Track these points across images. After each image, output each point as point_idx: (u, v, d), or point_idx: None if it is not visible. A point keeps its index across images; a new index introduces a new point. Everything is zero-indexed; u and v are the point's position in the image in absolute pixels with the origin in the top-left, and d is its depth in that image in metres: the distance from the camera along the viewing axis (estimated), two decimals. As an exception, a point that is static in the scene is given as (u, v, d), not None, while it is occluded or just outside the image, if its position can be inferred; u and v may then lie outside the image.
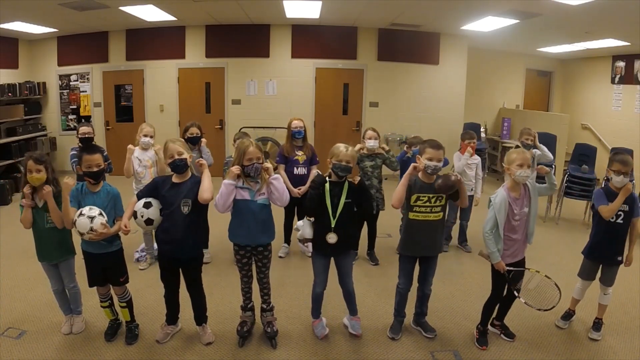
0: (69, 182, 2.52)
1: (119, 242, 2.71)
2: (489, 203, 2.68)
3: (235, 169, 2.53)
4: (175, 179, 2.62)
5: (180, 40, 7.45)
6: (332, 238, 2.67)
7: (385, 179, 4.22)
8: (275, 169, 3.99)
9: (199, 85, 7.67)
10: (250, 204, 2.59)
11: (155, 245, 3.15)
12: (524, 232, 2.68)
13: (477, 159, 4.41)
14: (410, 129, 7.58)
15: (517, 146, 4.51)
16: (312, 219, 2.77)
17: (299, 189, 4.00)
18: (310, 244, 2.75)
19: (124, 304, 2.79)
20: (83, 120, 7.58)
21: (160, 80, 7.63)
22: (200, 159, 2.67)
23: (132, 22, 6.73)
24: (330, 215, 2.67)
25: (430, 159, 2.62)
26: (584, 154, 5.90)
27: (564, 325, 3.08)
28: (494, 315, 2.93)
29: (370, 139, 3.94)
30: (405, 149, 4.30)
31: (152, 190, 2.62)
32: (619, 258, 2.86)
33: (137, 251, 4.02)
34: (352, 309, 2.94)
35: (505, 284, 2.74)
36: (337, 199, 2.67)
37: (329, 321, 3.02)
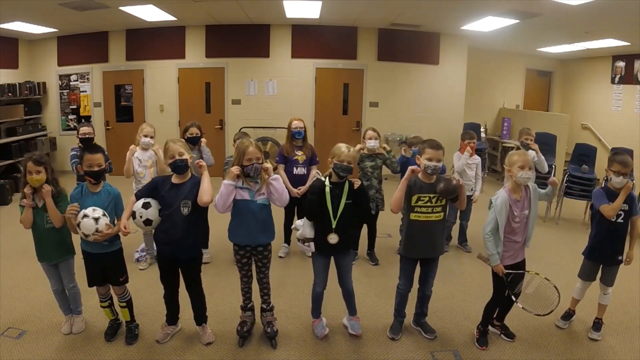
0: (46, 187, 2.51)
1: (118, 242, 2.71)
2: (490, 204, 2.68)
3: (235, 170, 2.53)
4: (174, 180, 2.61)
5: (180, 40, 7.45)
6: (333, 239, 2.68)
7: (385, 179, 4.21)
8: (275, 169, 3.99)
9: (199, 85, 7.67)
10: (250, 204, 2.59)
11: (155, 246, 3.15)
12: (524, 234, 2.68)
13: (477, 158, 4.41)
14: (410, 129, 7.58)
15: (518, 147, 4.51)
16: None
17: (299, 189, 4.00)
18: (312, 244, 2.73)
19: (124, 304, 2.79)
20: (83, 121, 7.58)
21: (160, 80, 7.63)
22: (200, 160, 2.65)
23: (132, 22, 6.73)
24: (331, 216, 2.67)
25: (429, 159, 2.62)
26: (584, 154, 5.90)
27: (564, 325, 3.08)
28: (495, 315, 2.93)
29: (370, 139, 3.94)
30: (403, 151, 4.29)
31: (151, 190, 2.61)
32: (620, 257, 2.86)
33: (137, 251, 4.02)
34: (352, 309, 2.94)
35: (503, 286, 2.74)
36: (338, 199, 2.67)
37: (329, 321, 3.03)
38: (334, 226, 2.67)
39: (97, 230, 2.45)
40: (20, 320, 2.98)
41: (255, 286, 2.83)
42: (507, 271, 2.64)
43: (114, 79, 7.72)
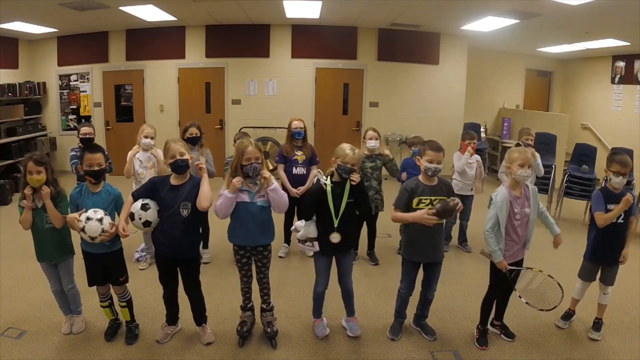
0: (45, 189, 2.51)
1: (119, 242, 2.70)
2: (490, 202, 2.68)
3: (237, 183, 2.49)
4: (174, 181, 2.60)
5: (180, 40, 7.45)
6: (335, 238, 2.67)
7: (385, 179, 4.21)
8: (275, 168, 3.99)
9: (199, 85, 7.67)
10: (249, 206, 2.59)
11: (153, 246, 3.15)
12: (525, 233, 2.68)
13: (476, 156, 4.40)
14: (410, 129, 7.58)
15: (518, 144, 4.50)
16: (315, 218, 2.76)
17: (298, 189, 4.00)
18: (316, 243, 2.72)
19: (124, 304, 2.79)
20: (83, 121, 7.58)
21: (160, 80, 7.63)
22: (199, 162, 2.60)
23: (132, 22, 6.73)
24: (333, 215, 2.67)
25: (430, 161, 2.62)
26: (584, 154, 5.90)
27: (564, 325, 3.08)
28: (493, 315, 2.93)
29: (371, 139, 3.94)
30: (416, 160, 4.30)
31: (149, 190, 2.59)
32: (620, 258, 2.86)
33: (137, 251, 4.02)
34: (350, 310, 2.95)
35: (503, 280, 2.74)
36: (340, 199, 2.67)
37: (329, 321, 3.02)
38: (335, 225, 2.67)
39: (103, 231, 2.44)
40: (20, 320, 2.98)
41: (255, 286, 2.83)
42: (510, 267, 2.64)
43: (114, 79, 7.72)
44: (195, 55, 7.52)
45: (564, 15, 5.22)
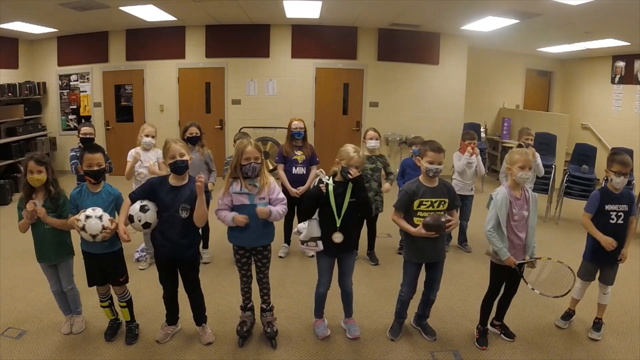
0: (40, 211, 2.52)
1: (118, 242, 2.69)
2: (489, 202, 2.68)
3: (241, 221, 2.52)
4: (173, 181, 2.58)
5: (180, 40, 7.45)
6: (338, 237, 2.67)
7: (385, 179, 4.21)
8: (275, 168, 4.00)
9: (199, 85, 7.67)
10: (249, 209, 2.58)
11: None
12: (523, 235, 2.66)
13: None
14: (410, 129, 7.58)
15: (520, 145, 4.50)
16: (317, 217, 2.75)
17: (298, 189, 4.00)
18: (320, 242, 2.71)
19: (124, 304, 2.79)
20: (83, 121, 7.57)
21: (160, 80, 7.63)
22: (201, 175, 2.49)
23: (132, 22, 6.73)
24: (335, 215, 2.66)
25: (431, 162, 2.62)
26: (584, 154, 5.90)
27: (564, 325, 3.08)
28: (494, 315, 2.93)
29: (371, 139, 3.95)
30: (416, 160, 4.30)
31: (147, 192, 2.57)
32: (619, 257, 2.86)
33: (137, 251, 4.02)
34: (348, 311, 2.96)
35: (503, 280, 2.74)
36: (342, 198, 2.66)
37: (329, 321, 3.02)
38: (338, 225, 2.67)
39: (103, 228, 2.44)
40: (20, 320, 2.98)
41: (255, 286, 2.83)
42: (518, 262, 2.63)
43: (114, 79, 7.72)
44: (195, 55, 7.52)
45: (564, 15, 5.22)
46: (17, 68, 7.41)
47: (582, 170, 5.64)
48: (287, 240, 4.30)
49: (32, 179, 2.51)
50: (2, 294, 3.37)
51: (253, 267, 2.80)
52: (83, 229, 2.43)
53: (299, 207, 4.13)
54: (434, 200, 2.64)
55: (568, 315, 3.11)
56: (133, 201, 2.55)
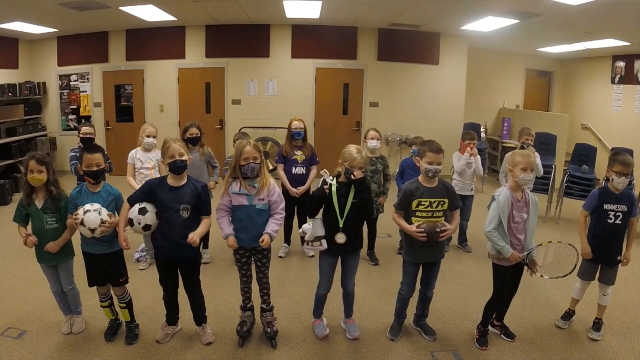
0: (32, 240, 2.56)
1: (118, 242, 2.69)
2: (490, 202, 2.68)
3: (232, 244, 2.59)
4: (171, 181, 2.58)
5: (180, 40, 7.45)
6: (341, 238, 2.67)
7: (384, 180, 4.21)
8: (274, 168, 4.00)
9: (199, 85, 7.67)
10: (248, 210, 2.59)
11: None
12: (522, 238, 2.66)
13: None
14: (410, 129, 7.58)
15: (522, 146, 4.50)
16: (321, 217, 2.75)
17: (298, 189, 4.01)
18: (324, 241, 2.71)
19: (124, 305, 2.79)
20: (83, 120, 7.57)
21: (160, 80, 7.63)
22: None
23: (132, 22, 6.73)
24: (338, 216, 2.66)
25: (430, 163, 2.62)
26: (584, 154, 5.90)
27: (564, 325, 3.08)
28: (494, 315, 2.93)
29: (372, 139, 3.95)
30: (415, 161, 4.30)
31: (146, 194, 2.57)
32: (619, 258, 2.86)
33: (137, 251, 4.02)
34: (348, 312, 2.96)
35: (508, 281, 2.74)
36: (345, 199, 2.66)
37: (329, 321, 3.03)
38: (340, 225, 2.67)
39: (102, 222, 2.43)
40: (20, 320, 2.98)
41: (255, 286, 2.83)
42: (522, 255, 2.62)
43: (114, 79, 7.72)
44: (195, 55, 7.52)
45: (564, 15, 5.22)
46: (17, 68, 7.41)
47: (582, 170, 5.64)
48: (287, 240, 4.30)
49: (32, 179, 2.51)
50: (2, 294, 3.37)
51: (253, 267, 2.79)
52: (82, 223, 2.42)
53: (299, 207, 4.16)
54: (432, 200, 2.64)
55: (568, 315, 3.11)
56: (132, 204, 2.55)
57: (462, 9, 5.64)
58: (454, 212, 2.75)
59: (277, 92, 7.62)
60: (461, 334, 2.96)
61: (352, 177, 2.58)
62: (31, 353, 2.63)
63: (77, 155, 3.65)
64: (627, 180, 2.80)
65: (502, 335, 2.92)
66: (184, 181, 2.59)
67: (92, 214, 2.43)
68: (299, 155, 4.06)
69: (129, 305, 2.81)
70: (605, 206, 2.81)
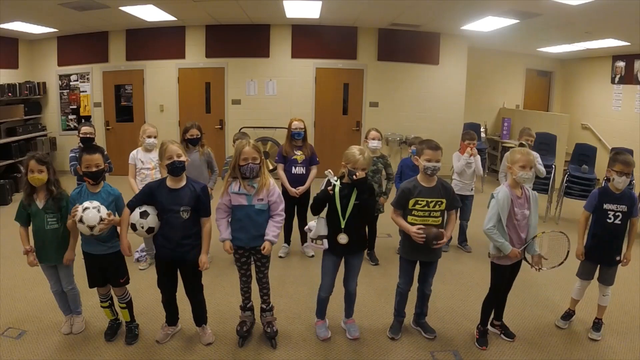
0: (31, 261, 2.62)
1: (119, 243, 2.69)
2: (490, 200, 2.68)
3: (227, 250, 2.65)
4: (170, 183, 2.58)
5: (180, 40, 7.45)
6: (342, 239, 2.67)
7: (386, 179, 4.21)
8: (274, 168, 4.00)
9: (199, 85, 7.67)
10: (247, 209, 2.59)
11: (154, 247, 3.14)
12: (525, 235, 2.66)
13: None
14: (410, 129, 7.58)
15: (521, 144, 4.50)
16: (325, 216, 2.76)
17: (297, 189, 4.01)
18: (325, 241, 2.72)
19: (124, 305, 2.79)
20: (83, 120, 7.57)
21: (160, 80, 7.63)
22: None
23: (132, 22, 6.73)
24: (340, 216, 2.66)
25: (429, 160, 2.62)
26: (584, 154, 5.90)
27: (564, 325, 3.08)
28: (493, 315, 2.93)
29: (374, 139, 3.95)
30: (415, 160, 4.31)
31: (146, 196, 2.57)
32: (617, 258, 2.86)
33: (137, 251, 4.02)
34: (349, 312, 2.96)
35: (505, 280, 2.74)
36: (347, 200, 2.66)
37: (330, 322, 3.02)
38: (342, 226, 2.67)
39: (101, 219, 2.43)
40: (20, 320, 2.98)
41: (254, 286, 2.83)
42: (520, 250, 2.62)
43: (114, 79, 7.72)
44: (195, 55, 7.52)
45: (564, 15, 5.22)
46: (17, 68, 7.41)
47: (582, 170, 5.64)
48: (287, 240, 4.30)
49: (32, 178, 2.51)
50: (2, 294, 3.37)
51: (252, 267, 2.79)
52: (80, 220, 2.41)
53: (299, 207, 4.16)
54: (429, 200, 2.64)
55: (568, 315, 3.11)
56: (132, 209, 2.55)
57: (462, 9, 5.64)
58: (451, 212, 2.75)
59: (277, 92, 7.62)
60: (461, 334, 2.96)
61: (354, 177, 2.59)
62: (31, 353, 2.63)
63: (77, 156, 3.65)
64: (628, 180, 2.79)
65: (502, 335, 2.92)
66: (183, 183, 2.59)
67: (91, 211, 2.42)
68: (298, 155, 4.06)
69: (129, 306, 2.81)
70: (605, 206, 2.81)
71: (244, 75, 7.58)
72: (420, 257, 2.78)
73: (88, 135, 3.90)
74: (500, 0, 5.04)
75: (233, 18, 6.89)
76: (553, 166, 5.88)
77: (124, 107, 7.85)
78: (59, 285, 2.76)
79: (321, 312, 2.95)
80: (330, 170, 2.70)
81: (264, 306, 2.83)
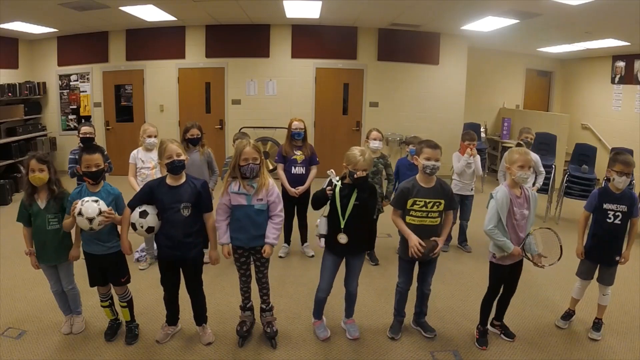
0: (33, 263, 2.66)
1: (119, 243, 2.69)
2: (489, 201, 2.68)
3: (225, 255, 2.66)
4: (170, 181, 2.58)
5: (180, 40, 7.45)
6: (342, 238, 2.67)
7: (386, 179, 4.21)
8: (274, 168, 4.00)
9: (199, 85, 7.67)
10: (247, 209, 2.59)
11: (155, 246, 3.15)
12: (523, 234, 2.66)
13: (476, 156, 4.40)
14: (410, 129, 7.58)
15: (519, 144, 4.50)
16: (326, 216, 2.76)
17: (297, 189, 4.00)
18: (322, 240, 2.74)
19: (125, 304, 2.79)
20: (83, 120, 7.57)
21: (160, 80, 7.64)
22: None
23: (132, 22, 6.73)
24: (340, 216, 2.67)
25: (428, 159, 2.62)
26: (584, 154, 5.90)
27: (564, 325, 3.08)
28: (494, 315, 2.93)
29: (375, 139, 3.95)
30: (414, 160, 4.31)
31: (146, 195, 2.57)
32: (617, 258, 2.86)
33: (137, 251, 4.02)
34: (349, 312, 2.96)
35: (503, 280, 2.74)
36: (347, 199, 2.66)
37: (330, 322, 3.03)
38: (342, 226, 2.67)
39: (100, 212, 2.42)
40: (20, 320, 2.98)
41: (254, 286, 2.83)
42: (519, 248, 2.62)
43: (114, 79, 7.72)
44: (195, 55, 7.52)
45: (564, 15, 5.22)
46: (17, 68, 7.41)
47: (582, 170, 5.64)
48: (287, 240, 4.30)
49: (33, 178, 2.51)
50: (2, 294, 3.37)
51: (252, 266, 2.79)
52: (80, 213, 2.39)
53: (299, 206, 4.16)
54: (427, 200, 2.64)
55: (568, 315, 3.11)
56: (132, 209, 2.55)
57: (462, 9, 5.64)
58: (449, 212, 2.75)
59: (277, 92, 7.62)
60: (461, 334, 2.96)
61: (355, 176, 2.59)
62: (31, 353, 2.63)
63: (76, 158, 3.65)
64: (628, 180, 2.79)
65: (502, 335, 2.92)
66: (183, 180, 2.60)
67: (90, 203, 2.42)
68: (298, 155, 4.06)
69: (129, 305, 2.81)
70: (605, 206, 2.82)
71: (244, 75, 7.58)
72: (419, 257, 2.77)
73: (88, 135, 3.90)
74: (500, 0, 5.04)
75: (233, 18, 6.89)
76: (553, 166, 5.88)
77: (124, 107, 7.85)
78: (59, 285, 2.76)
79: (318, 312, 2.95)
80: (332, 170, 2.70)
81: (263, 306, 2.83)
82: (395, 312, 2.96)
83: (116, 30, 7.44)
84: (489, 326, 2.91)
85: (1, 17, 5.74)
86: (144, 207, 2.54)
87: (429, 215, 2.66)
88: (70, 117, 7.90)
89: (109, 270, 2.69)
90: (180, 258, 2.62)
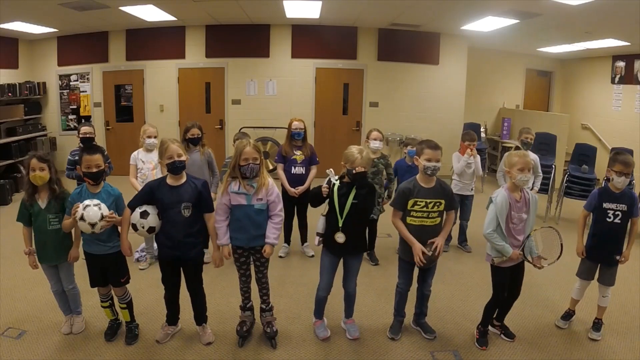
0: (33, 263, 2.66)
1: (119, 243, 2.69)
2: (489, 203, 2.68)
3: (226, 256, 2.65)
4: (170, 181, 2.58)
5: (180, 40, 7.45)
6: (340, 237, 2.67)
7: (386, 179, 4.21)
8: (274, 168, 4.00)
9: (199, 85, 7.67)
10: (247, 209, 2.59)
11: (155, 246, 3.15)
12: (521, 237, 2.65)
13: (476, 156, 4.39)
14: (410, 129, 7.58)
15: (517, 147, 4.50)
16: (325, 215, 2.77)
17: (297, 189, 4.00)
18: (318, 238, 2.75)
19: (124, 305, 2.79)
20: (83, 120, 7.57)
21: (160, 80, 7.64)
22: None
23: (132, 22, 6.73)
24: (338, 215, 2.67)
25: (429, 160, 2.62)
26: (584, 154, 5.90)
27: (564, 325, 3.08)
28: (495, 315, 2.93)
29: (375, 139, 3.95)
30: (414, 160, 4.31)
31: (147, 195, 2.58)
32: (617, 258, 2.85)
33: (137, 251, 4.02)
34: (349, 312, 2.96)
35: (506, 283, 2.74)
36: (345, 198, 2.66)
37: (330, 322, 3.03)
38: (340, 225, 2.67)
39: (102, 217, 2.43)
40: (20, 320, 2.98)
41: (254, 286, 2.83)
42: (520, 252, 2.61)
43: (114, 79, 7.72)
44: (195, 55, 7.53)
45: (564, 15, 5.22)
46: (17, 68, 7.41)
47: (582, 170, 5.64)
48: (287, 240, 4.30)
49: (34, 177, 2.51)
50: (2, 294, 3.37)
51: (252, 266, 2.79)
52: (82, 218, 2.40)
53: (299, 206, 4.16)
54: (428, 201, 2.64)
55: (568, 315, 3.11)
56: (132, 209, 2.55)
57: (462, 9, 5.64)
58: (450, 212, 2.75)
59: (277, 92, 7.62)
60: (461, 334, 2.96)
61: (354, 172, 2.60)
62: (31, 353, 2.63)
63: (75, 159, 3.65)
64: (628, 180, 2.80)
65: (502, 335, 2.92)
66: (183, 180, 2.60)
67: (92, 208, 2.42)
68: (298, 155, 4.06)
69: (129, 306, 2.81)
70: (605, 205, 2.82)
71: (244, 75, 7.58)
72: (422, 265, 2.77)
73: (88, 135, 3.90)
74: (500, 0, 5.04)
75: (233, 18, 6.89)
76: (553, 166, 5.88)
77: (124, 107, 7.85)
78: (60, 285, 2.76)
79: (319, 312, 2.95)
80: (331, 169, 2.70)
81: (263, 306, 2.83)
82: (395, 312, 2.96)
83: (116, 30, 7.44)
84: (489, 326, 2.91)
85: (1, 17, 5.74)
86: (144, 208, 2.54)
87: (430, 215, 2.66)
88: (70, 117, 7.90)
89: (109, 270, 2.69)
90: (181, 258, 2.63)
